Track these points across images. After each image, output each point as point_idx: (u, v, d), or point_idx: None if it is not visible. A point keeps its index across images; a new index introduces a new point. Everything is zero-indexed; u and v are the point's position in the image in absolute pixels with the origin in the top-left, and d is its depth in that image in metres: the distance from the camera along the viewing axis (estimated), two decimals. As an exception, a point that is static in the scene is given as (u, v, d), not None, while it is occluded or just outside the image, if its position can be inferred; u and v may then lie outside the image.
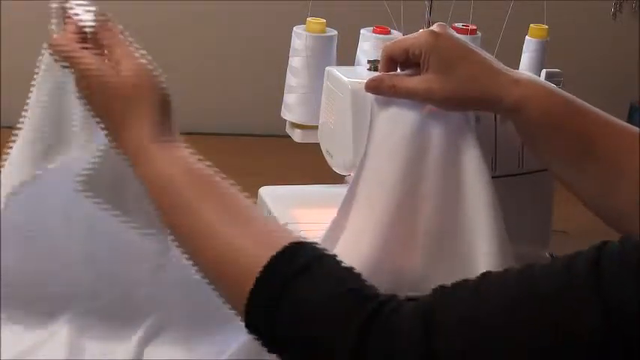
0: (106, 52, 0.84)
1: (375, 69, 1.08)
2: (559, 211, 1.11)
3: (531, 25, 1.20)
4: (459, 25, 1.19)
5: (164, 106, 0.83)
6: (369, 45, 1.15)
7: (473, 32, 1.18)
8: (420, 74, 0.90)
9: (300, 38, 1.15)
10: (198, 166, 0.79)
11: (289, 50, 1.17)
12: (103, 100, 0.81)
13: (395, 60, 0.93)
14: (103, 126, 0.83)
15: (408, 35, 0.92)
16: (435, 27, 0.90)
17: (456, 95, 0.88)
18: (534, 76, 0.93)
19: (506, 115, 0.90)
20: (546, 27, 1.20)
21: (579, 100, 0.90)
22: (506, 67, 0.90)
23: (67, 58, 0.83)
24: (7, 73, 1.69)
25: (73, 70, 0.83)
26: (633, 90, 1.86)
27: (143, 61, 0.85)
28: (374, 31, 1.16)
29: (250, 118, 1.77)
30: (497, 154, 1.06)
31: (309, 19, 1.15)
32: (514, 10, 1.17)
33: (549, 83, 0.91)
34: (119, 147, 0.81)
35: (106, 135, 0.83)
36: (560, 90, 0.90)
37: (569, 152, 0.87)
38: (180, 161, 0.79)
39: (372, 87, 0.93)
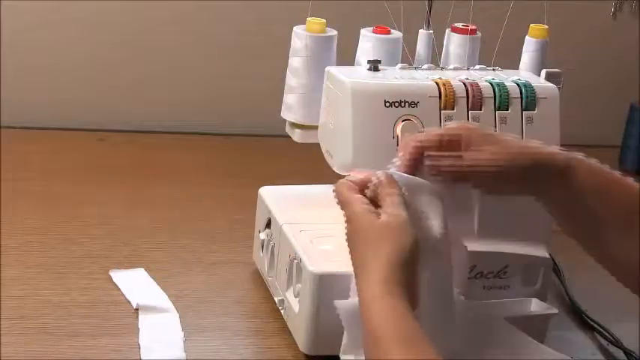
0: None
1: (375, 69, 1.08)
2: (559, 211, 1.11)
3: (531, 25, 1.20)
4: (459, 25, 1.19)
5: (404, 258, 0.83)
6: (369, 45, 1.15)
7: (473, 32, 1.18)
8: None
9: (300, 38, 1.15)
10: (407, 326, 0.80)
11: (289, 50, 1.17)
12: (353, 243, 0.86)
13: (425, 149, 0.91)
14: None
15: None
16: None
17: (516, 158, 0.89)
18: None
19: (555, 178, 0.90)
20: (546, 27, 1.19)
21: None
22: None
23: (340, 202, 0.90)
24: (7, 73, 1.69)
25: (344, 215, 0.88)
26: (633, 90, 1.86)
27: (403, 213, 0.85)
28: (374, 31, 1.16)
29: (250, 118, 1.77)
30: (497, 154, 1.06)
31: (309, 19, 1.15)
32: (514, 10, 1.18)
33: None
34: (358, 289, 0.84)
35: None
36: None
37: (618, 212, 0.89)
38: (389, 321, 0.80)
39: (436, 168, 0.90)
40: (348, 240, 0.87)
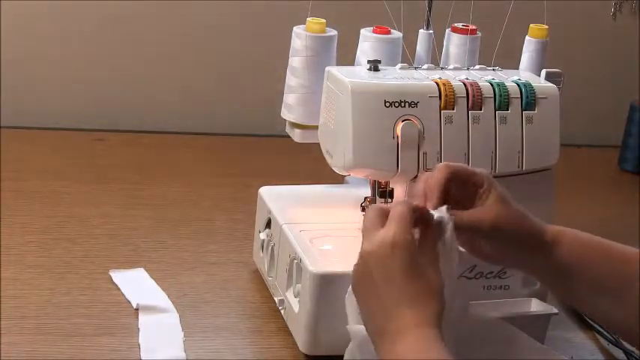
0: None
1: (375, 69, 1.08)
2: (559, 211, 1.11)
3: (531, 25, 1.20)
4: (459, 25, 1.19)
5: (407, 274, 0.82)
6: (369, 45, 1.15)
7: (473, 32, 1.18)
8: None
9: (300, 38, 1.15)
10: None
11: (289, 50, 1.17)
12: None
13: (457, 178, 0.90)
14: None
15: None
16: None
17: (513, 225, 0.90)
18: None
19: (542, 251, 0.91)
20: (546, 27, 1.19)
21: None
22: None
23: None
24: (7, 73, 1.69)
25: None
26: (633, 90, 1.86)
27: (407, 237, 0.83)
28: (374, 31, 1.16)
29: (250, 118, 1.77)
30: (498, 154, 1.06)
31: (309, 19, 1.15)
32: (514, 10, 1.18)
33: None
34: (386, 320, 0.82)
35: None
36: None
37: (606, 284, 0.90)
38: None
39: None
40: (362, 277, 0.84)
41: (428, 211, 0.86)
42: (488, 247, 0.91)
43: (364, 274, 0.83)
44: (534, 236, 0.90)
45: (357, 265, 0.84)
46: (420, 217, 0.85)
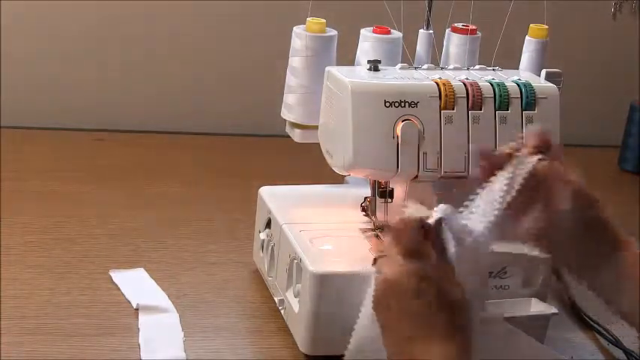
0: None
1: (375, 69, 1.08)
2: (559, 211, 1.11)
3: (531, 25, 1.20)
4: (459, 25, 1.19)
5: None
6: (369, 45, 1.15)
7: (473, 32, 1.18)
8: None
9: (300, 38, 1.15)
10: None
11: (289, 50, 1.17)
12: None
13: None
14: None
15: None
16: None
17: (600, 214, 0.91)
18: None
19: (609, 253, 0.91)
20: (546, 27, 1.19)
21: None
22: None
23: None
24: (7, 73, 1.69)
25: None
26: (633, 90, 1.86)
27: (428, 267, 0.82)
28: (374, 31, 1.16)
29: (250, 118, 1.77)
30: (497, 154, 1.06)
31: (309, 19, 1.15)
32: (514, 10, 1.17)
33: None
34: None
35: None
36: None
37: None
38: None
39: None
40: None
41: (428, 222, 0.86)
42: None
43: (386, 303, 0.83)
44: (607, 226, 0.90)
45: (378, 293, 0.83)
46: (424, 228, 0.85)
